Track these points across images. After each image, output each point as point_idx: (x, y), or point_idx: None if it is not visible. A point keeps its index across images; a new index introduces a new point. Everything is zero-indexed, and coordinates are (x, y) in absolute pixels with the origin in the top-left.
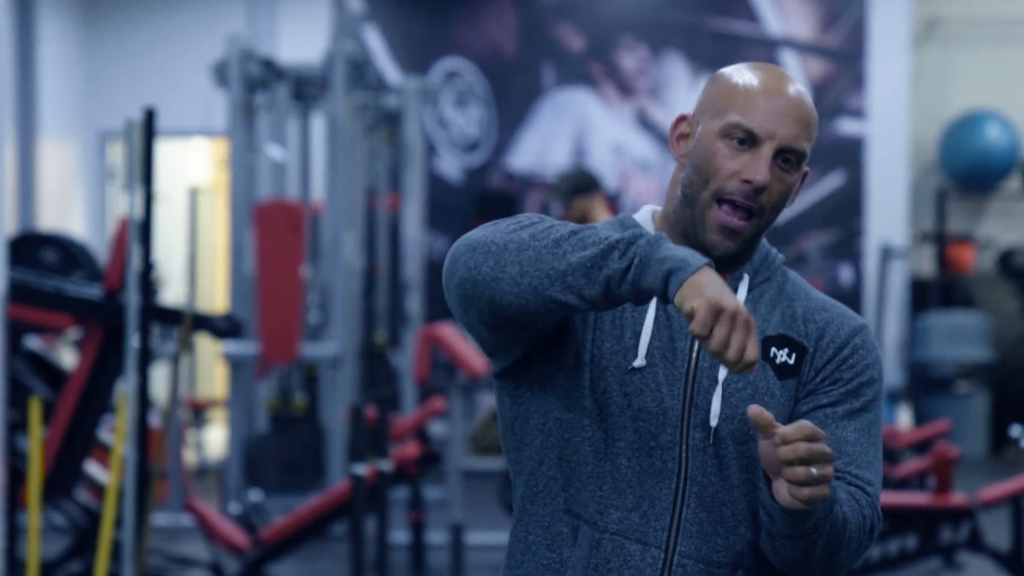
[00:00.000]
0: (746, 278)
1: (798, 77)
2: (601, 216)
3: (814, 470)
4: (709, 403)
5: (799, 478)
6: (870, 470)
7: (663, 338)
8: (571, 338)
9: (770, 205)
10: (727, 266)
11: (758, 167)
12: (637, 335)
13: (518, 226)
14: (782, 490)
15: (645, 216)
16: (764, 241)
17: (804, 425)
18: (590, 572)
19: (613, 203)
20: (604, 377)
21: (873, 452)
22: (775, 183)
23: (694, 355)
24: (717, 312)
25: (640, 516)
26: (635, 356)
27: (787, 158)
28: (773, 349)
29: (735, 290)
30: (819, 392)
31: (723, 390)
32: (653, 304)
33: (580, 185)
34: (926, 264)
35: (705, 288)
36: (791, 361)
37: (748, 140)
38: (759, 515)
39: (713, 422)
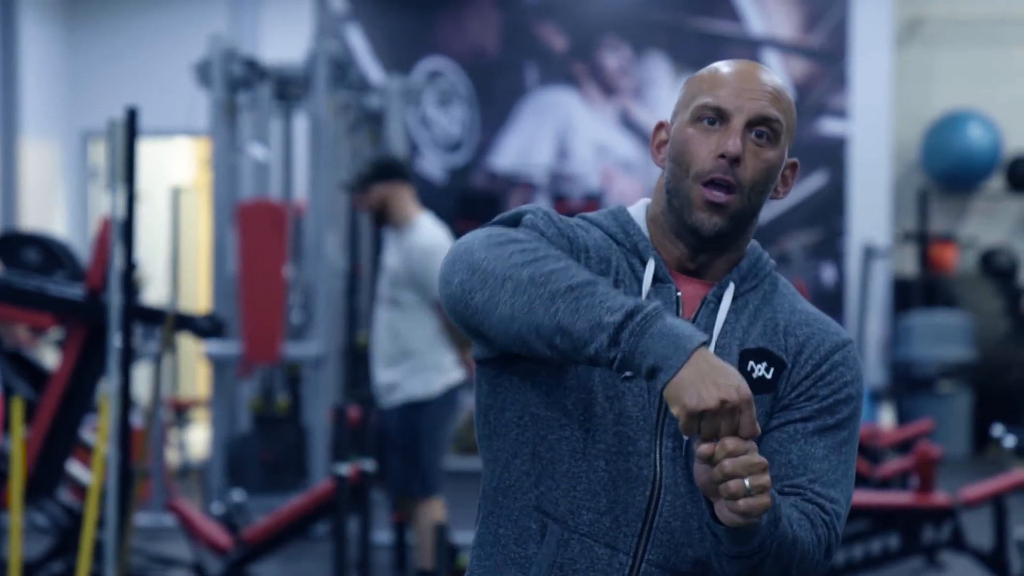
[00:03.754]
0: (731, 287)
1: (781, 76)
2: (404, 207)
3: (747, 482)
4: None
5: (732, 492)
6: (836, 488)
7: None
8: None
9: (750, 181)
10: (716, 266)
11: (728, 139)
12: None
13: (521, 258)
14: (723, 509)
15: (639, 211)
16: (756, 245)
17: (724, 442)
18: (554, 571)
19: (594, 203)
20: (590, 378)
21: (843, 470)
22: (750, 157)
23: None
24: (698, 417)
25: (612, 520)
26: None
27: (760, 132)
28: (751, 363)
29: (719, 300)
30: (792, 407)
31: None
32: None
33: (382, 171)
34: (908, 264)
35: (684, 392)
36: (768, 376)
37: (718, 118)
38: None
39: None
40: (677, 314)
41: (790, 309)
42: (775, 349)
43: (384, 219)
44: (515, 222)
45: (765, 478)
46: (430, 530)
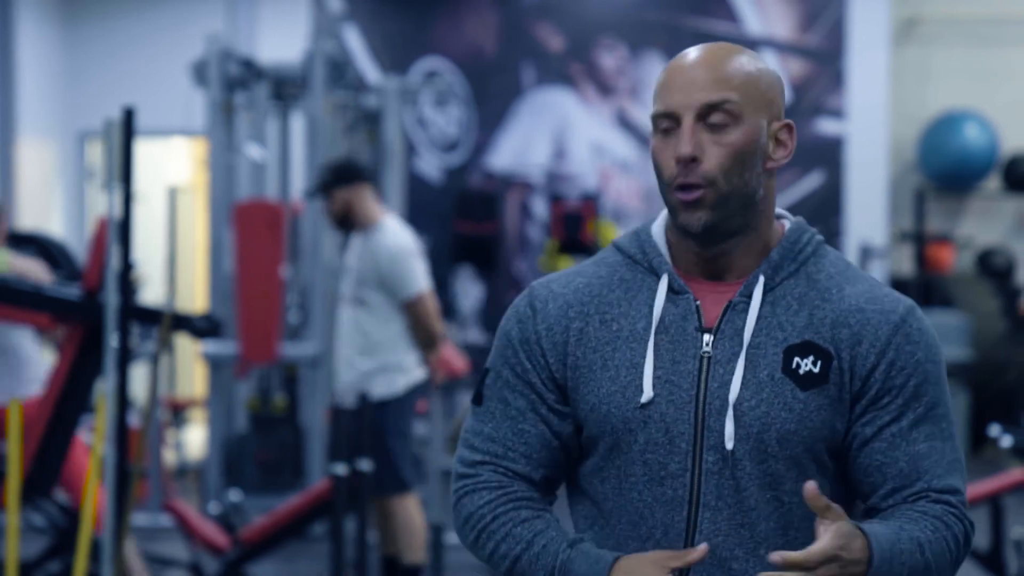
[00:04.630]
0: (760, 282)
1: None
2: (368, 209)
3: None
4: (723, 425)
5: None
6: (952, 474)
7: (664, 365)
8: (567, 423)
9: (717, 170)
10: (739, 260)
11: (680, 142)
12: (634, 369)
13: (483, 544)
14: None
15: (660, 224)
16: (797, 224)
17: (808, 555)
18: None
19: (591, 203)
20: (609, 420)
21: (950, 450)
22: (711, 147)
23: (703, 378)
24: None
25: (654, 545)
26: (636, 392)
27: (712, 120)
28: (796, 359)
29: (750, 297)
30: (877, 407)
31: (735, 410)
32: (652, 338)
33: (341, 175)
34: (905, 264)
35: None
36: (816, 369)
37: (673, 123)
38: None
39: (728, 445)
40: (699, 325)
41: (839, 294)
42: (820, 341)
43: (349, 222)
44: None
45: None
46: (409, 525)
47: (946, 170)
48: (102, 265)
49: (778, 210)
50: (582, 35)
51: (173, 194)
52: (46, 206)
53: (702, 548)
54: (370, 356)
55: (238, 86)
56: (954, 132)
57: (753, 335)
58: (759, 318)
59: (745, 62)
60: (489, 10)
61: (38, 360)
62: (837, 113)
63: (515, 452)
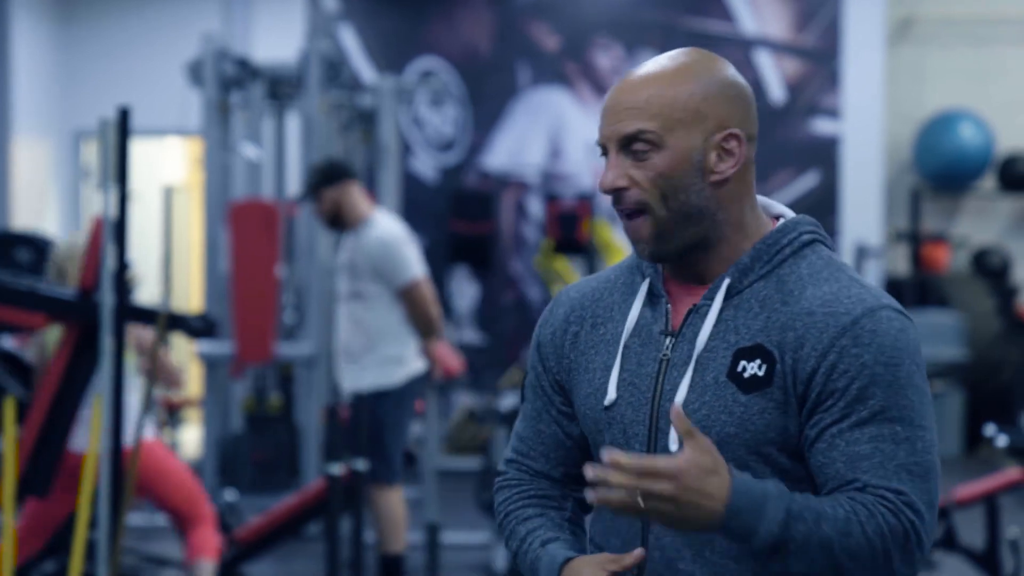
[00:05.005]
0: (724, 286)
1: (772, 76)
2: (357, 206)
3: (641, 502)
4: (669, 427)
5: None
6: (897, 477)
7: (630, 368)
8: (575, 424)
9: (649, 195)
10: (710, 266)
11: (603, 175)
12: (606, 372)
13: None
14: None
15: None
16: (788, 223)
17: (641, 466)
18: None
19: (587, 203)
20: (585, 422)
21: (905, 453)
22: (635, 174)
23: (660, 380)
24: None
25: (620, 543)
26: (604, 394)
27: (635, 148)
28: (743, 362)
29: (711, 302)
30: (821, 410)
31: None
32: (622, 341)
33: (327, 175)
34: (901, 263)
35: None
36: (760, 373)
37: (605, 152)
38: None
39: (672, 447)
40: (664, 328)
41: (799, 296)
42: (769, 344)
43: (340, 222)
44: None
45: (657, 486)
46: (392, 516)
47: (942, 170)
48: (97, 265)
49: (780, 208)
50: (578, 35)
51: (169, 194)
52: (41, 205)
53: (637, 553)
54: (370, 348)
55: (234, 85)
56: (949, 132)
57: (710, 338)
58: (719, 322)
59: (667, 85)
60: (484, 10)
61: (136, 408)
62: (832, 113)
63: (535, 451)
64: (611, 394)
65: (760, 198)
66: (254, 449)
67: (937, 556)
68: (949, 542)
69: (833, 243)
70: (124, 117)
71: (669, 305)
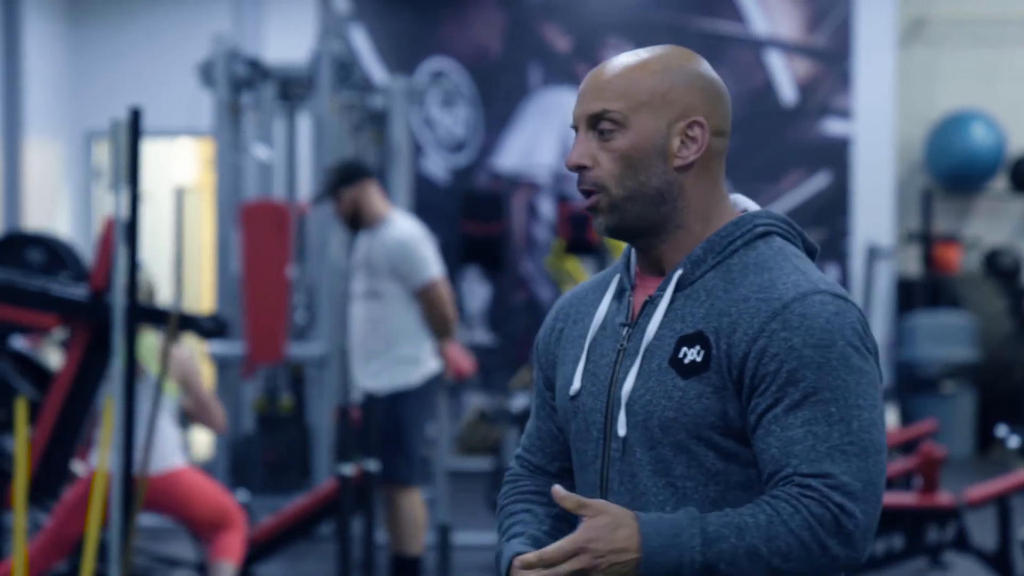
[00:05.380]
0: (675, 276)
1: (784, 77)
2: (374, 204)
3: None
4: (619, 413)
5: None
6: (828, 460)
7: (594, 359)
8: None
9: (607, 174)
10: (667, 257)
11: (570, 152)
12: (575, 364)
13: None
14: None
15: None
16: (739, 219)
17: (542, 555)
18: None
19: None
20: (560, 414)
21: (839, 434)
22: (599, 154)
23: (616, 369)
24: None
25: None
26: (572, 384)
27: (601, 128)
28: (684, 349)
29: (663, 293)
30: (755, 396)
31: (630, 399)
32: (590, 333)
33: (346, 175)
34: (912, 264)
35: None
36: (699, 359)
37: (576, 132)
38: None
39: (621, 432)
40: (625, 319)
41: (740, 284)
42: (707, 331)
43: (358, 221)
44: None
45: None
46: (413, 518)
47: (953, 170)
48: (109, 266)
49: (749, 204)
50: (588, 35)
51: (180, 194)
52: (53, 206)
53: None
54: (387, 348)
55: (245, 86)
56: (961, 132)
57: (660, 327)
58: (669, 311)
59: (637, 70)
60: (495, 10)
61: (173, 436)
62: (844, 113)
63: (535, 446)
64: (576, 384)
65: (736, 196)
66: (265, 450)
67: (949, 557)
68: (961, 543)
69: (801, 238)
70: (136, 118)
71: (632, 297)
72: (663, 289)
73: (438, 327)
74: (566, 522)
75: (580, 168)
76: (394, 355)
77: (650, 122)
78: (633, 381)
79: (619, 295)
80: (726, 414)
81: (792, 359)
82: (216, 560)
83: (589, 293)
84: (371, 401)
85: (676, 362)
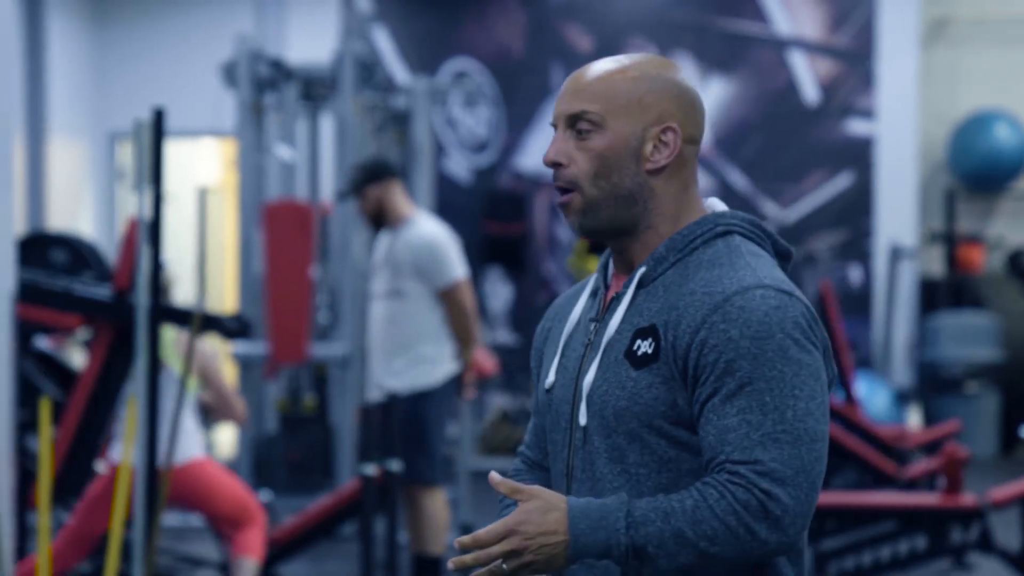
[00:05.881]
0: (638, 275)
1: (806, 77)
2: (399, 204)
3: (504, 566)
4: (581, 403)
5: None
6: (760, 447)
7: (568, 354)
8: None
9: (582, 173)
10: (636, 256)
11: (548, 149)
12: (552, 359)
13: None
14: None
15: None
16: (702, 218)
17: (476, 536)
18: None
19: None
20: (542, 406)
21: (772, 422)
22: (574, 153)
23: (582, 363)
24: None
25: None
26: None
27: (579, 128)
28: (638, 341)
29: (627, 290)
30: (697, 387)
31: (590, 391)
32: (565, 330)
33: (372, 173)
34: (935, 264)
35: None
36: (650, 350)
37: (555, 130)
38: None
39: (582, 421)
40: (594, 316)
41: (692, 279)
42: (659, 324)
43: (382, 219)
44: None
45: (518, 561)
46: (436, 518)
47: (976, 170)
48: (132, 266)
49: (719, 206)
50: (611, 35)
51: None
52: (76, 206)
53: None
54: (408, 347)
55: (267, 87)
56: (984, 132)
57: (621, 322)
58: (631, 307)
59: (617, 74)
60: (518, 10)
61: (194, 429)
62: (867, 113)
63: (532, 443)
64: (550, 378)
65: (711, 200)
66: (288, 450)
67: (973, 558)
68: (985, 544)
69: (771, 240)
70: (159, 118)
71: (603, 295)
72: (627, 286)
73: (460, 329)
74: None
75: (556, 165)
76: (415, 355)
77: (626, 125)
78: (594, 373)
79: (594, 294)
80: (675, 404)
81: (729, 350)
82: (238, 557)
83: (575, 293)
84: (393, 401)
85: (630, 354)
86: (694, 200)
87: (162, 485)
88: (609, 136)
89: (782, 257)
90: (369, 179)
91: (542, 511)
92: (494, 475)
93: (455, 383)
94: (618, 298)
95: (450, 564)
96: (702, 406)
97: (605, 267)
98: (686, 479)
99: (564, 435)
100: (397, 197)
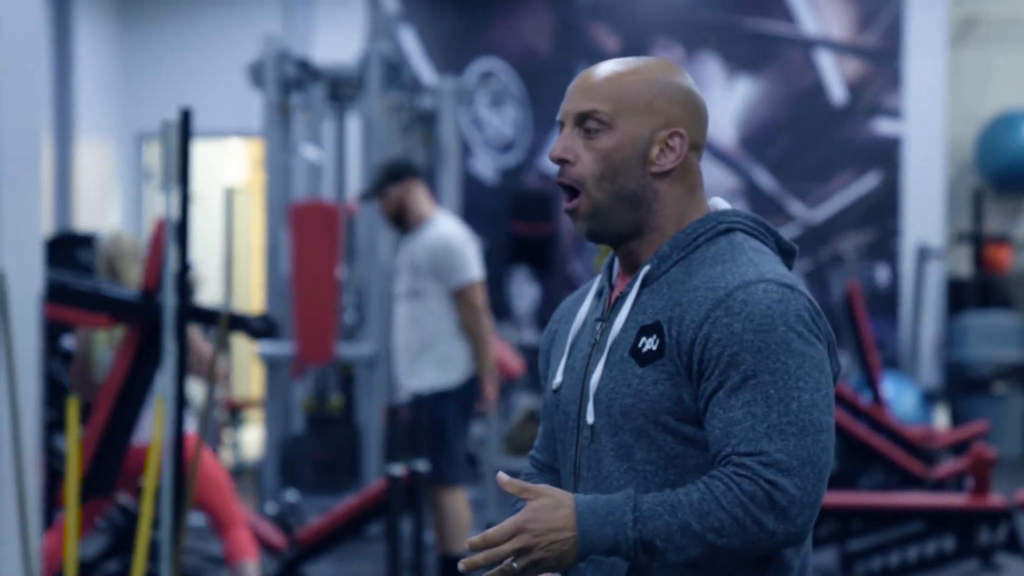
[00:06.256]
0: (642, 274)
1: (833, 76)
2: (420, 205)
3: (515, 564)
4: (589, 403)
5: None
6: (766, 439)
7: (574, 355)
8: None
9: (589, 173)
10: (641, 256)
11: (554, 146)
12: (559, 360)
13: None
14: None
15: None
16: (705, 217)
17: (486, 536)
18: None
19: None
20: (550, 406)
21: (777, 414)
22: (581, 151)
23: (589, 363)
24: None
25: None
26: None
27: (587, 127)
28: (643, 338)
29: (632, 289)
30: (702, 381)
31: (597, 389)
32: (572, 331)
33: (393, 173)
34: (963, 264)
35: None
36: (655, 347)
37: (562, 128)
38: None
39: (589, 419)
40: (600, 316)
41: (695, 275)
42: (663, 320)
43: (403, 220)
44: None
45: (530, 557)
46: (458, 517)
47: (1004, 170)
48: (160, 266)
49: (722, 205)
50: (637, 36)
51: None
52: (104, 207)
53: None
54: (428, 347)
55: (294, 87)
56: (1012, 132)
57: (626, 321)
58: (635, 305)
59: (627, 76)
60: (544, 11)
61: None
62: (894, 113)
63: (542, 445)
64: (558, 378)
65: (714, 199)
66: (315, 450)
67: (1001, 558)
68: (1013, 544)
69: (774, 238)
70: (186, 119)
71: (608, 295)
72: (632, 285)
73: (471, 331)
74: None
75: (562, 161)
76: (435, 355)
77: (634, 127)
78: (601, 372)
79: (598, 294)
80: (681, 399)
81: (733, 344)
82: (238, 562)
83: (582, 295)
84: (418, 401)
85: (635, 351)
86: (699, 202)
87: (188, 485)
88: (617, 137)
89: (786, 254)
90: (390, 179)
91: (550, 508)
92: (502, 475)
93: (476, 383)
94: (623, 297)
95: (461, 565)
96: (707, 400)
97: (610, 267)
98: (692, 475)
99: (572, 435)
100: (418, 197)
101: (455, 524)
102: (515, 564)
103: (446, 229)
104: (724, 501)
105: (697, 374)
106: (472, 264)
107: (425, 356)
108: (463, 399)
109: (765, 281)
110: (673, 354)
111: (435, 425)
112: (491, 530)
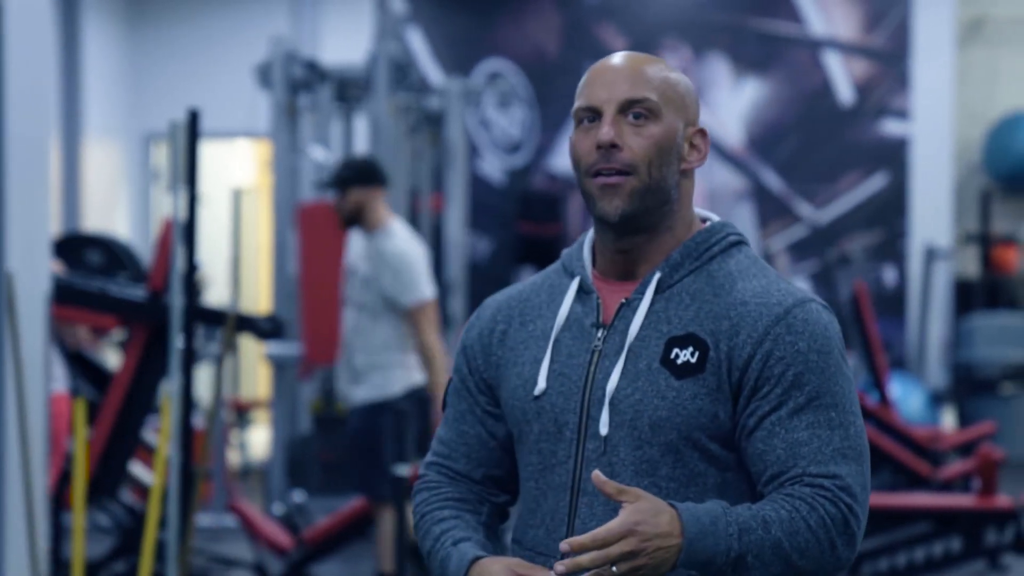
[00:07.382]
0: (655, 279)
1: (841, 77)
2: (377, 213)
3: (614, 568)
4: (600, 414)
5: None
6: (835, 462)
7: (561, 359)
8: (501, 424)
9: (640, 158)
10: (647, 259)
11: (601, 130)
12: (536, 364)
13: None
14: None
15: (591, 234)
16: (714, 225)
17: (595, 536)
18: None
19: None
20: (513, 413)
21: (839, 439)
22: (630, 137)
23: (591, 370)
24: None
25: (544, 531)
26: (534, 385)
27: (635, 112)
28: (676, 350)
29: (642, 295)
30: (758, 397)
31: (613, 399)
32: (553, 334)
33: (364, 175)
34: (970, 265)
35: None
36: (693, 360)
37: (593, 117)
38: None
39: (603, 431)
40: (596, 321)
41: (730, 289)
42: (702, 333)
43: (356, 222)
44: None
45: (635, 561)
46: (390, 535)
47: (1012, 171)
48: (167, 266)
49: (706, 213)
50: (645, 36)
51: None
52: (111, 207)
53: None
54: (370, 360)
55: (302, 88)
56: (1019, 132)
57: (641, 329)
58: (649, 313)
59: (662, 68)
60: (552, 11)
61: (58, 364)
62: (902, 114)
63: (457, 453)
64: (541, 384)
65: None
66: (322, 450)
67: (1008, 559)
68: (1020, 545)
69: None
70: (194, 120)
71: (599, 299)
72: (641, 292)
73: (424, 349)
74: (493, 531)
75: (613, 146)
76: (377, 367)
77: (674, 119)
78: (617, 380)
79: (581, 298)
80: (717, 416)
81: (798, 363)
82: None
83: (532, 296)
84: (353, 413)
85: (669, 362)
86: (693, 208)
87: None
88: (663, 126)
89: None
90: (359, 180)
91: (654, 512)
92: (598, 474)
93: (420, 395)
94: (629, 304)
95: (559, 567)
96: (763, 418)
97: (569, 269)
98: (710, 495)
99: (569, 446)
100: (378, 205)
101: (382, 544)
102: (615, 568)
103: (401, 244)
104: (811, 521)
105: (751, 391)
106: (425, 282)
107: (367, 369)
108: (402, 411)
109: (812, 301)
110: (720, 369)
111: (370, 439)
112: (600, 530)
